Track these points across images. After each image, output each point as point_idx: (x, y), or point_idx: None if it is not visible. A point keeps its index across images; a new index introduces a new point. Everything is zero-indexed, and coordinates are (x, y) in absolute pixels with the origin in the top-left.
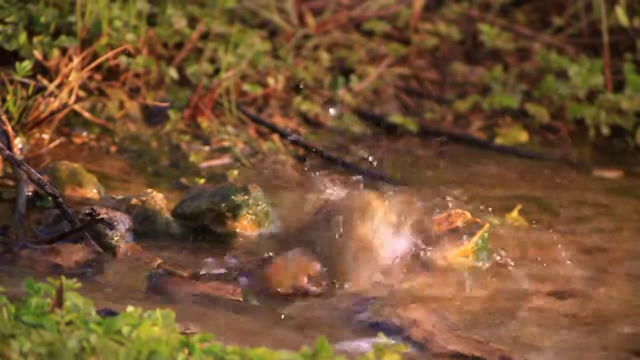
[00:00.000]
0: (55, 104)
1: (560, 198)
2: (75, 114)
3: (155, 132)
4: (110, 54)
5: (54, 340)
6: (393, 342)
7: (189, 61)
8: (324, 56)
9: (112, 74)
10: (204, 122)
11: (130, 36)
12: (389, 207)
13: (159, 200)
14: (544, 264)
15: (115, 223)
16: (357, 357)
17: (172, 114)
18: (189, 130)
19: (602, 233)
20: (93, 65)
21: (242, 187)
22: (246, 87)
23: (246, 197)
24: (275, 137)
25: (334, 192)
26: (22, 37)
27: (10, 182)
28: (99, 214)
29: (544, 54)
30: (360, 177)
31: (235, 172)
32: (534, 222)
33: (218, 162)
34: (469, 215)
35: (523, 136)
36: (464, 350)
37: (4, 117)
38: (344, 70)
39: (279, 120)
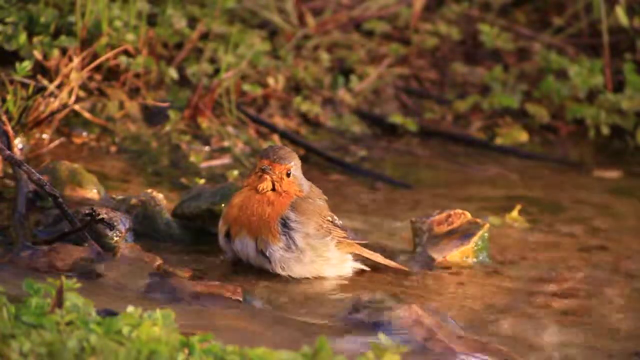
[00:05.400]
0: (55, 104)
1: (560, 198)
2: (75, 114)
3: (155, 132)
4: (110, 54)
5: (54, 340)
6: (393, 342)
7: (189, 61)
8: (324, 56)
9: (112, 74)
10: (204, 122)
11: (130, 36)
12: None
13: (159, 200)
14: (544, 264)
15: (115, 223)
16: (357, 357)
17: (172, 114)
18: (189, 130)
19: (602, 233)
20: (93, 65)
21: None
22: (246, 87)
23: None
24: (275, 137)
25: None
26: (22, 37)
27: (10, 182)
28: (99, 214)
29: (544, 54)
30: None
31: (235, 172)
32: (534, 222)
33: (218, 162)
34: (469, 215)
35: (523, 136)
36: (464, 350)
37: (4, 117)
38: (344, 70)
39: (279, 120)
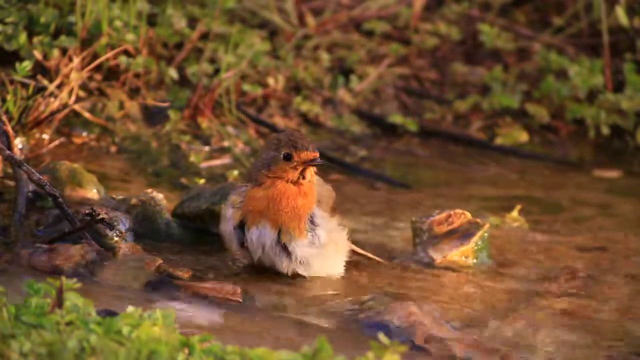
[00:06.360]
0: (55, 104)
1: (560, 198)
2: (75, 114)
3: (155, 132)
4: (110, 54)
5: (54, 340)
6: (393, 342)
7: (189, 61)
8: (324, 56)
9: (112, 74)
10: (204, 122)
11: (130, 36)
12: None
13: (159, 200)
14: (544, 264)
15: (115, 223)
16: (357, 357)
17: (172, 114)
18: (189, 130)
19: (602, 233)
20: (93, 65)
21: None
22: (246, 87)
23: None
24: None
25: None
26: (22, 37)
27: (10, 182)
28: (99, 214)
29: (544, 54)
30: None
31: (235, 172)
32: (534, 222)
33: (218, 162)
34: (469, 215)
35: (523, 136)
36: (463, 350)
37: (4, 117)
38: (344, 70)
39: (279, 120)
